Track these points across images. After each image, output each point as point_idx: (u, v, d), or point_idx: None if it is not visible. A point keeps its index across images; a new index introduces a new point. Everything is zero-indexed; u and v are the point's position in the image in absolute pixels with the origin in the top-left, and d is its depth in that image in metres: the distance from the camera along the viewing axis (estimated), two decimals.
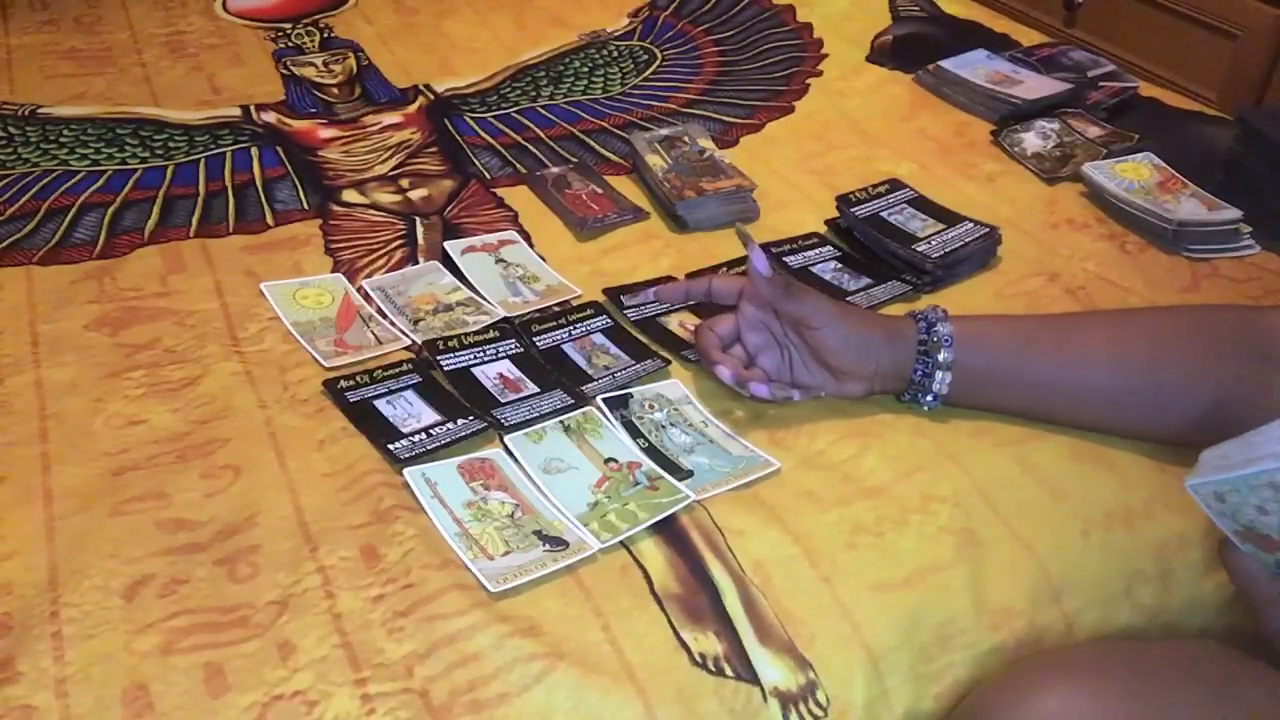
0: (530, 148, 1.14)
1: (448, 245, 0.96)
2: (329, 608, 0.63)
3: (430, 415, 0.76)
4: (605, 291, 0.90)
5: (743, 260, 0.94)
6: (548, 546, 0.66)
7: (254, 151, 1.10)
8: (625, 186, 1.06)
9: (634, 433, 0.76)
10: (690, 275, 0.92)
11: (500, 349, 0.84)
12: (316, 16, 1.41)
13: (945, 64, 1.24)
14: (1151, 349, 0.73)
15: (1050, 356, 0.75)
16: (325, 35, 1.37)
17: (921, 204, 1.00)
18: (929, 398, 0.75)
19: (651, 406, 0.78)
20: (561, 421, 0.76)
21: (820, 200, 1.02)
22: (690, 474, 0.72)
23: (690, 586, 0.65)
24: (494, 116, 1.20)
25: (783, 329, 0.77)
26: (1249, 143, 1.02)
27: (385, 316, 0.87)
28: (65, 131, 1.13)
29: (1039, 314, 0.86)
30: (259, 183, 1.05)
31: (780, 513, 0.70)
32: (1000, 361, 0.75)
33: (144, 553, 0.66)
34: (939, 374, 0.74)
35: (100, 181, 1.04)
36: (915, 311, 0.76)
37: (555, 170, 1.09)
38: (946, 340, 0.74)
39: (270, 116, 1.17)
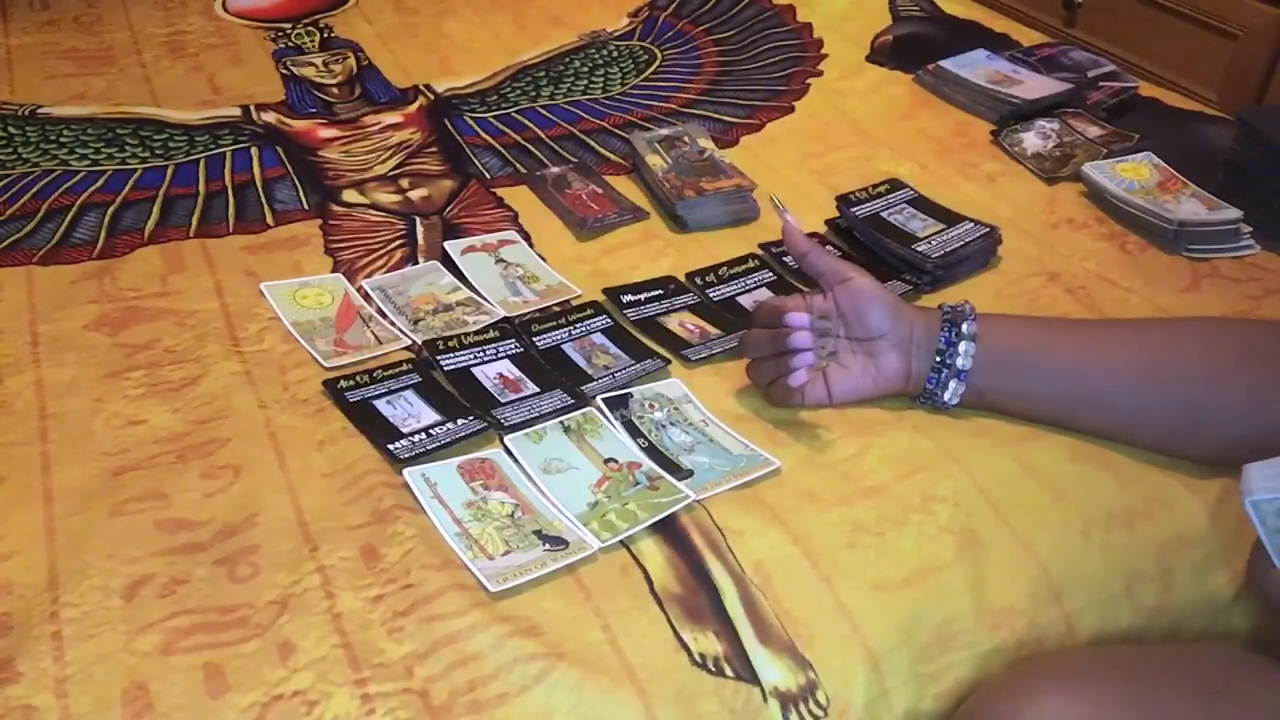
0: (530, 148, 1.14)
1: (448, 245, 0.96)
2: (329, 608, 0.63)
3: (430, 415, 0.76)
4: (605, 291, 0.90)
5: (743, 259, 0.94)
6: (548, 546, 0.66)
7: (254, 151, 1.10)
8: (625, 186, 1.06)
9: (634, 432, 0.76)
10: (692, 274, 0.92)
11: (500, 349, 0.84)
12: (316, 16, 1.41)
13: (945, 64, 1.24)
14: (1178, 347, 0.73)
15: (1075, 343, 0.75)
16: (325, 35, 1.36)
17: (921, 204, 1.00)
18: (954, 382, 0.75)
19: (651, 406, 0.78)
20: (561, 421, 0.76)
21: (820, 200, 1.02)
22: (690, 473, 0.72)
23: (690, 586, 0.65)
24: (494, 116, 1.19)
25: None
26: (1249, 143, 1.01)
27: (385, 316, 0.87)
28: (65, 131, 1.13)
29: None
30: (259, 183, 1.05)
31: (780, 512, 0.70)
32: (1024, 343, 0.75)
33: (144, 553, 0.66)
34: (963, 344, 0.74)
35: (100, 181, 1.04)
36: None
37: (555, 170, 1.09)
38: (971, 315, 0.75)
39: (270, 116, 1.17)
